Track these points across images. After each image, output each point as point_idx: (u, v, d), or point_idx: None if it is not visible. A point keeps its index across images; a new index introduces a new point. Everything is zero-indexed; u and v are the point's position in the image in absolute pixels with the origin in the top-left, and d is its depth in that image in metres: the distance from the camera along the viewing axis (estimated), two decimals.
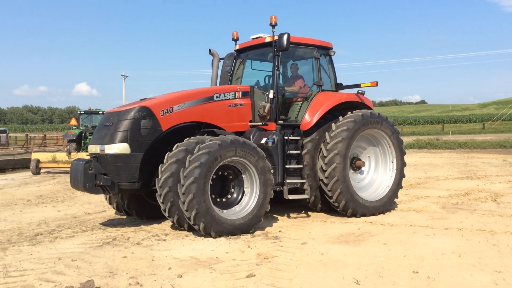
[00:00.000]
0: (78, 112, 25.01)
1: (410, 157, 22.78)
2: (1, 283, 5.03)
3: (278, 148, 8.01)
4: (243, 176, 7.45)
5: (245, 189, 7.47)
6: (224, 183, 7.55)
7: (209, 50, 9.59)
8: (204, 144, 6.95)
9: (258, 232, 7.29)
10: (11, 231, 7.84)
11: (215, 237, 6.81)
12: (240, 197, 7.49)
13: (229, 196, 7.52)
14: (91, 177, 7.15)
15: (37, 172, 17.94)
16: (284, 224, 7.97)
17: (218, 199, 7.37)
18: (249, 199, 7.41)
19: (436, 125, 77.46)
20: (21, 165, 22.44)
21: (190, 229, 7.19)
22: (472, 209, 8.89)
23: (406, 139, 36.98)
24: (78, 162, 7.36)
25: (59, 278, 5.15)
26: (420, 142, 31.00)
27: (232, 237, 7.00)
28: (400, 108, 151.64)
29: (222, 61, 9.58)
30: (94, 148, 7.52)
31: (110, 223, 8.23)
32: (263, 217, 7.44)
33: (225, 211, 7.28)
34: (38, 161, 17.90)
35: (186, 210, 6.71)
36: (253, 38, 9.14)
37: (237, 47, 9.60)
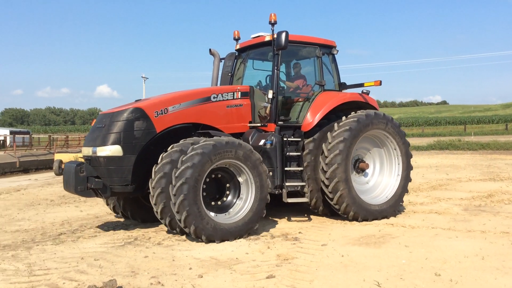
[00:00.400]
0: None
1: (431, 158, 22.50)
2: (26, 281, 5.14)
3: (277, 150, 7.80)
4: (239, 179, 7.25)
5: (240, 193, 7.26)
6: (220, 186, 7.35)
7: (210, 50, 9.42)
8: (198, 145, 6.78)
9: (277, 233, 7.29)
10: (35, 230, 8.00)
11: (206, 242, 6.63)
12: (235, 200, 7.28)
13: (224, 199, 7.30)
14: (83, 180, 7.01)
15: (60, 172, 18.17)
16: (303, 225, 7.95)
17: (213, 202, 7.19)
18: (244, 203, 7.19)
19: (458, 126, 76.25)
20: (44, 165, 22.88)
21: (183, 232, 7.04)
22: (495, 211, 8.74)
23: (427, 140, 36.81)
24: (70, 164, 7.23)
25: (82, 277, 5.24)
26: (441, 143, 30.52)
27: (252, 237, 7.02)
28: (421, 109, 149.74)
29: (223, 61, 9.42)
30: (86, 150, 7.38)
31: (131, 223, 8.33)
32: (258, 222, 7.23)
33: (218, 214, 7.08)
34: (60, 162, 18.17)
35: (177, 212, 6.53)
36: (254, 37, 8.92)
37: (237, 47, 9.42)
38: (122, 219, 8.74)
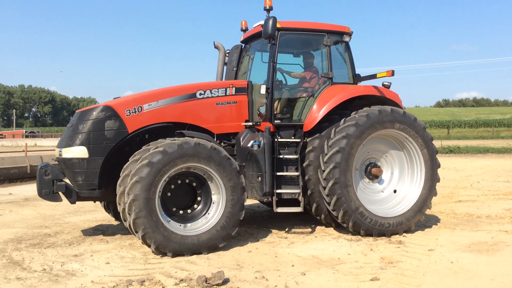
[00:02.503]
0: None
1: None
2: (142, 268, 5.57)
3: (265, 153, 6.85)
4: (208, 182, 6.48)
5: (212, 197, 6.50)
6: (190, 192, 6.63)
7: (214, 43, 8.70)
8: (145, 154, 6.11)
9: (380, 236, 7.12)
10: None
11: (173, 257, 5.98)
12: (208, 207, 6.51)
13: (196, 206, 6.55)
14: (48, 183, 6.53)
15: None
16: None
17: (181, 211, 6.47)
18: (216, 208, 6.45)
19: None
20: None
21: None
22: None
23: None
24: (38, 166, 6.81)
25: (192, 268, 5.56)
26: None
27: (353, 238, 6.95)
28: None
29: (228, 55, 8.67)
30: (56, 152, 7.01)
31: None
32: (225, 240, 6.37)
33: (189, 224, 6.37)
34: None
35: (136, 232, 5.97)
36: (256, 26, 7.99)
37: (242, 38, 8.61)
38: None
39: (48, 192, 6.56)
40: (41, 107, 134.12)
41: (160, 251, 6.02)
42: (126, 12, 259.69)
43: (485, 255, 5.96)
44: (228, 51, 8.69)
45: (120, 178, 6.32)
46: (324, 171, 6.92)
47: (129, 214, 5.92)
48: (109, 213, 8.15)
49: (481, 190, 12.31)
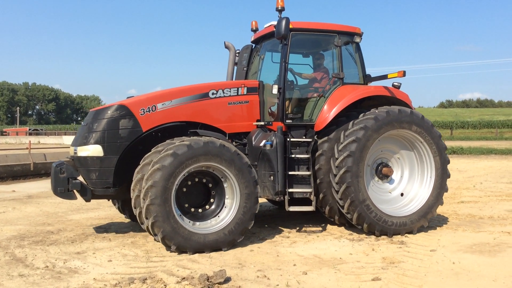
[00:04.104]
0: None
1: None
2: (144, 266, 5.60)
3: (278, 152, 6.91)
4: (224, 185, 6.55)
5: (226, 200, 6.56)
6: (205, 192, 6.71)
7: (224, 43, 8.75)
8: (171, 145, 6.23)
9: (382, 236, 7.12)
10: None
11: (176, 251, 6.09)
12: (219, 209, 6.58)
13: (207, 207, 6.63)
14: (63, 181, 6.60)
15: None
16: None
17: (193, 209, 6.55)
18: (227, 212, 6.51)
19: None
20: None
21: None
22: None
23: None
24: (53, 164, 6.91)
25: (194, 266, 5.58)
26: None
27: (355, 238, 6.95)
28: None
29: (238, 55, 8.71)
30: (71, 150, 7.10)
31: None
32: (243, 235, 6.50)
33: (198, 223, 6.43)
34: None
35: (146, 218, 6.04)
36: (267, 27, 8.10)
37: (252, 38, 8.65)
38: None
39: (64, 190, 6.61)
40: (45, 104, 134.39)
41: (166, 243, 6.06)
42: (129, 12, 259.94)
43: (487, 256, 5.96)
44: (238, 51, 8.75)
45: (140, 166, 6.42)
46: (337, 158, 6.99)
47: (144, 199, 5.98)
48: (123, 214, 8.12)
49: (484, 191, 12.30)
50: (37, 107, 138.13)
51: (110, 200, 8.19)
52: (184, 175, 6.22)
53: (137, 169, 6.48)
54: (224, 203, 6.57)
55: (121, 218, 8.58)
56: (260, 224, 8.07)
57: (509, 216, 8.66)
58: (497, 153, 26.93)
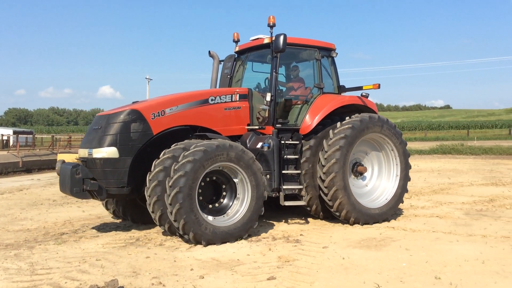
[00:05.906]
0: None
1: (433, 163, 22.49)
2: (28, 280, 5.18)
3: (274, 153, 7.78)
4: (235, 180, 7.25)
5: (237, 194, 7.27)
6: (216, 188, 7.37)
7: (209, 52, 9.41)
8: (188, 152, 6.73)
9: (279, 235, 7.31)
10: (38, 230, 8.04)
11: (205, 246, 6.63)
12: (232, 202, 7.28)
13: (222, 200, 7.32)
14: (79, 181, 6.98)
15: None
16: (305, 227, 7.97)
17: (210, 205, 7.22)
18: (241, 203, 7.20)
19: (461, 131, 76.12)
20: (47, 165, 22.91)
21: (183, 236, 6.92)
22: (496, 216, 8.74)
23: (430, 144, 36.78)
24: (66, 166, 7.21)
25: (84, 277, 5.27)
26: (444, 148, 30.44)
27: (253, 239, 7.05)
28: (424, 113, 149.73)
29: (222, 63, 9.40)
30: (82, 152, 7.38)
31: (133, 224, 8.35)
32: (257, 220, 7.25)
33: (217, 217, 7.10)
34: (63, 162, 18.24)
35: (175, 221, 6.54)
36: (253, 40, 8.94)
37: (237, 49, 9.40)
38: (123, 221, 8.77)
39: (79, 190, 6.98)
40: None
41: (197, 240, 6.63)
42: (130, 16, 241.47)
43: (373, 251, 6.35)
44: (221, 60, 9.42)
45: (150, 188, 6.78)
46: (324, 180, 7.86)
47: (170, 205, 6.48)
48: (124, 218, 8.37)
49: None
50: None
51: (104, 205, 8.37)
52: (210, 169, 6.83)
53: (150, 176, 6.86)
54: (235, 196, 7.26)
55: (1, 229, 7.91)
56: (158, 229, 7.88)
57: (394, 212, 9.30)
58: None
